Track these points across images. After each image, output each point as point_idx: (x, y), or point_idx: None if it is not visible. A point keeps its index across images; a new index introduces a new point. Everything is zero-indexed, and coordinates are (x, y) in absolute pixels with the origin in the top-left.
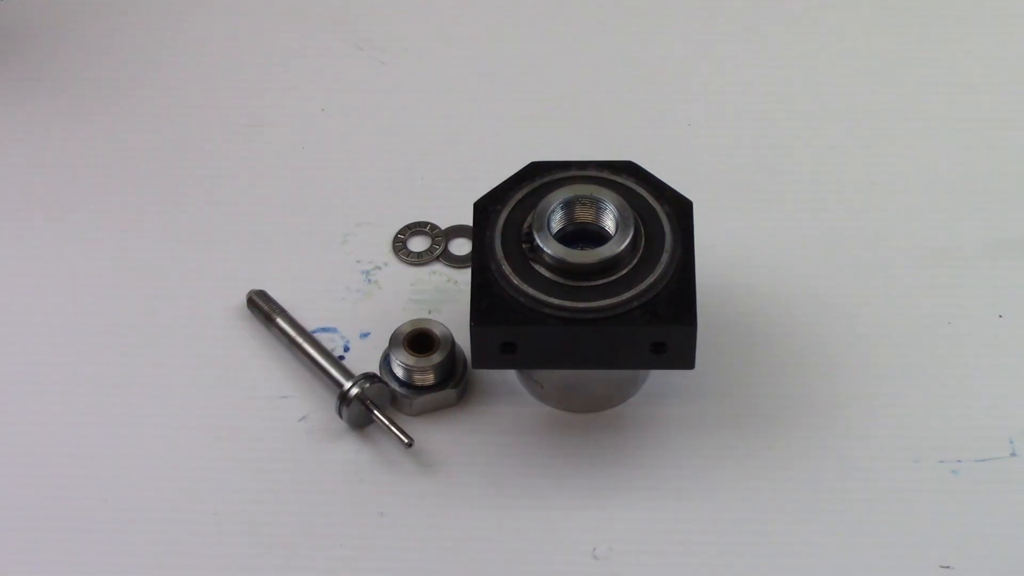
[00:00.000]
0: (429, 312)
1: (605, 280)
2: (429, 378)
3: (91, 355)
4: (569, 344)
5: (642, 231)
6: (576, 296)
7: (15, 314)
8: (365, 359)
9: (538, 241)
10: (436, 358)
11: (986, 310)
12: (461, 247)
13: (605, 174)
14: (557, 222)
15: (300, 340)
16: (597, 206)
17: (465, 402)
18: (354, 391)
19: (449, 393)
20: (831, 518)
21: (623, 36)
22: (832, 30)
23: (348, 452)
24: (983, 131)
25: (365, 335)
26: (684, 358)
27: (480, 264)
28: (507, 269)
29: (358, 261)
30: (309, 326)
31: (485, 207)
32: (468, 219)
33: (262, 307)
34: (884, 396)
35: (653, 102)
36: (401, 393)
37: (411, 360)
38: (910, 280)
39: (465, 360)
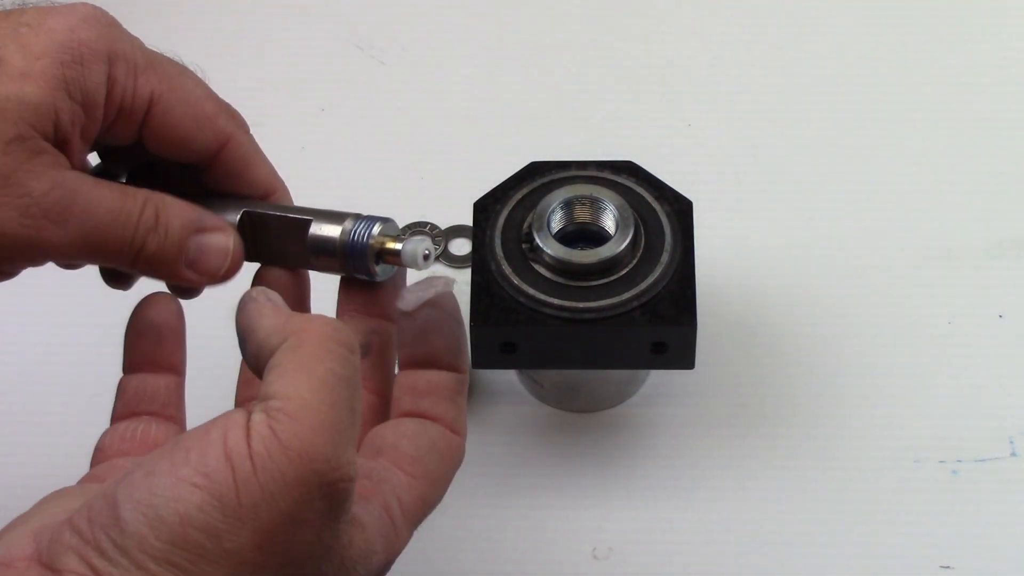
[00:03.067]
0: None
1: (605, 280)
2: None
3: (92, 355)
4: (569, 344)
5: (642, 231)
6: (576, 296)
7: (16, 314)
8: None
9: (538, 241)
10: None
11: (986, 310)
12: (461, 247)
13: (605, 174)
14: (557, 222)
15: None
16: (597, 206)
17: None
18: None
19: None
20: (831, 518)
21: (623, 36)
22: (832, 30)
23: None
24: (983, 131)
25: None
26: (684, 358)
27: (480, 264)
28: (507, 269)
29: None
30: None
31: (485, 207)
32: (468, 219)
33: None
34: (884, 396)
35: (653, 102)
36: None
37: None
38: (910, 280)
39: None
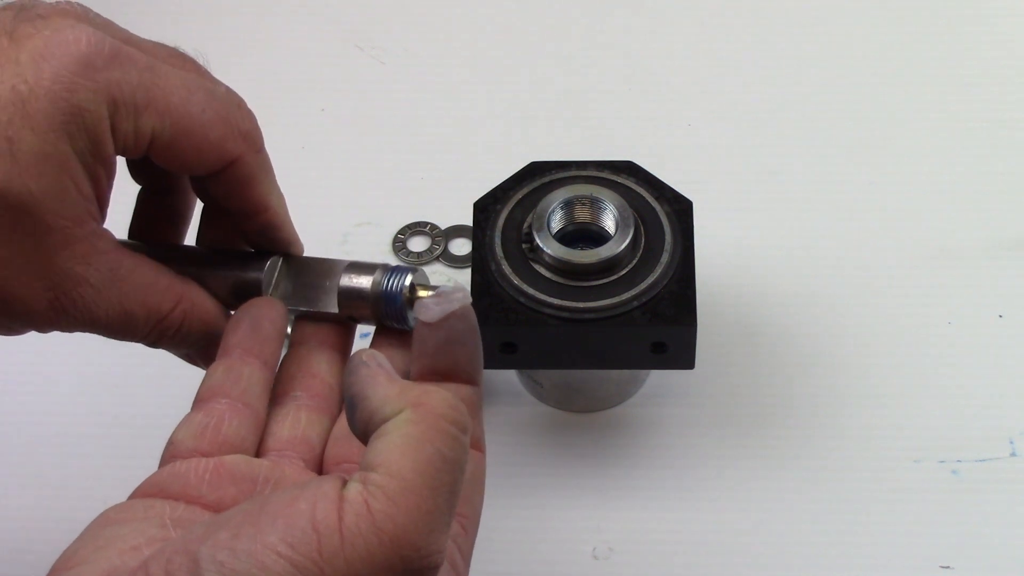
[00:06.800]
0: None
1: (605, 280)
2: None
3: (92, 355)
4: (569, 344)
5: (642, 231)
6: (576, 296)
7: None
8: None
9: (538, 241)
10: None
11: (986, 310)
12: (461, 247)
13: (605, 174)
14: (557, 222)
15: None
16: (597, 206)
17: None
18: None
19: None
20: (831, 518)
21: (623, 36)
22: (832, 30)
23: None
24: (983, 131)
25: (365, 335)
26: (684, 358)
27: (480, 264)
28: (507, 269)
29: None
30: None
31: (485, 207)
32: (468, 219)
33: None
34: (884, 396)
35: (653, 102)
36: None
37: None
38: (910, 280)
39: None
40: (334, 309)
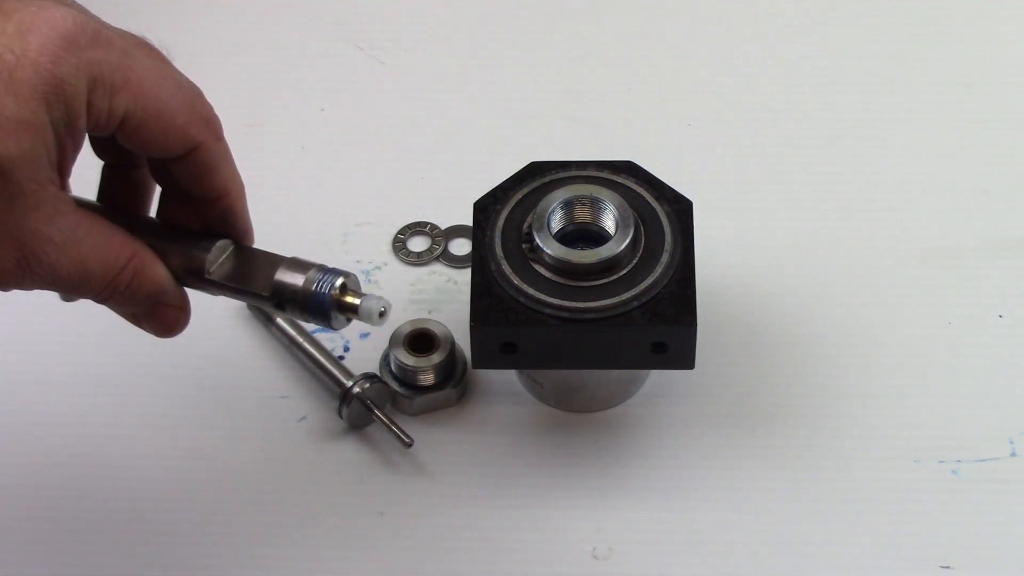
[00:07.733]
0: (429, 312)
1: (605, 280)
2: (429, 378)
3: (92, 355)
4: (569, 344)
5: (642, 231)
6: (576, 296)
7: (17, 312)
8: (365, 359)
9: (538, 241)
10: (436, 358)
11: (986, 310)
12: (461, 247)
13: (605, 174)
14: (557, 222)
15: (300, 340)
16: (597, 206)
17: (465, 402)
18: (354, 391)
19: (449, 393)
20: (831, 518)
21: (623, 36)
22: (832, 30)
23: (348, 452)
24: (983, 131)
25: (365, 335)
26: (684, 358)
27: (480, 264)
28: (507, 269)
29: (358, 261)
30: (309, 326)
31: (485, 207)
32: (468, 219)
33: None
34: (884, 396)
35: (653, 102)
36: (401, 393)
37: (411, 360)
38: (910, 280)
39: (465, 360)
40: (265, 293)
